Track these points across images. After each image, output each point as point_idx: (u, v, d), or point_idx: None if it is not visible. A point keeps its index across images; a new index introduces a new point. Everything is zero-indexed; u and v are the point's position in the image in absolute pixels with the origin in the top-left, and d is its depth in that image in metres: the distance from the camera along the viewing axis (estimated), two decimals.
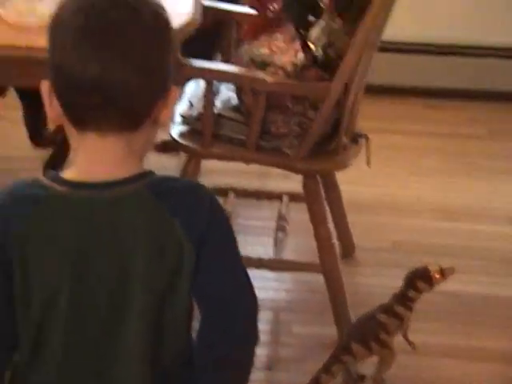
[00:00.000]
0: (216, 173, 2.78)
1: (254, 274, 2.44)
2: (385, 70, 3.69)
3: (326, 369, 2.06)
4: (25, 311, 1.21)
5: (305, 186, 2.28)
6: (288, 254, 2.50)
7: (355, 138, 2.37)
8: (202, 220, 1.21)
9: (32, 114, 2.73)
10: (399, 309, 2.08)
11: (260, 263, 2.36)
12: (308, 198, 2.29)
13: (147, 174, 1.24)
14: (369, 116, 3.45)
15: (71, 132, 1.23)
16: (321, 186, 2.43)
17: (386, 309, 2.09)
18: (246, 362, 1.27)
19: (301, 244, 2.64)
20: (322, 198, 2.30)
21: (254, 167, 2.35)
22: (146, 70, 1.19)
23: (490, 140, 3.46)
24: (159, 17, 1.23)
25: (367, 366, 2.12)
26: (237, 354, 1.24)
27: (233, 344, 1.23)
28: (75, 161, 1.24)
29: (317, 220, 2.29)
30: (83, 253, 1.20)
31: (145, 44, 1.19)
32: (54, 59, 1.19)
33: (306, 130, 2.20)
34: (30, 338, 1.22)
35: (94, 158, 1.22)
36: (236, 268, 1.25)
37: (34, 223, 1.19)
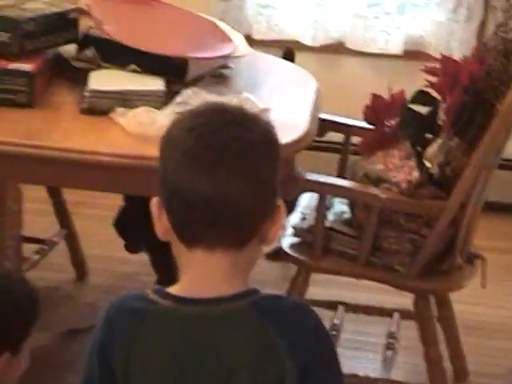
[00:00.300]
0: (326, 283, 2.75)
1: None
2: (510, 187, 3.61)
3: None
4: None
5: (416, 304, 2.23)
6: (397, 374, 2.43)
7: (470, 259, 2.31)
8: (307, 342, 1.19)
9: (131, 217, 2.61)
10: None
11: (368, 382, 2.30)
12: (419, 317, 2.23)
13: (252, 292, 1.23)
14: (492, 234, 3.40)
15: (179, 248, 1.24)
16: (433, 304, 2.38)
17: None
18: None
19: (410, 364, 2.56)
20: (433, 318, 2.24)
21: (365, 281, 2.31)
22: (257, 188, 1.20)
23: None
24: (268, 135, 1.24)
25: None
26: None
27: None
28: (182, 276, 1.24)
29: (427, 341, 2.23)
30: (184, 370, 1.19)
31: (255, 162, 1.20)
32: (166, 178, 1.21)
33: (418, 248, 2.16)
34: None
35: (201, 274, 1.22)
36: None
37: (138, 338, 1.20)
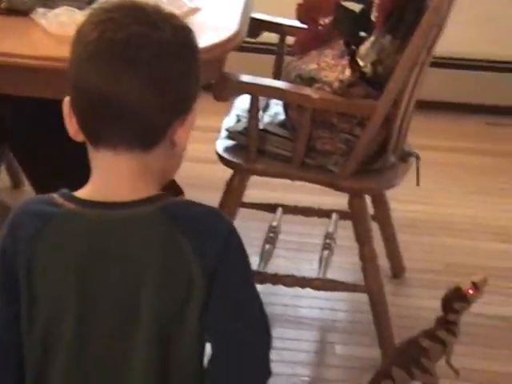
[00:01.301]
0: (265, 186, 2.75)
1: (299, 293, 2.46)
2: (448, 86, 3.63)
3: None
4: (30, 331, 1.19)
5: (350, 204, 2.24)
6: (333, 273, 2.46)
7: (404, 157, 2.31)
8: (216, 250, 1.17)
9: None
10: (442, 334, 2.02)
11: (305, 282, 2.32)
12: (353, 216, 2.25)
13: (162, 197, 1.20)
14: (430, 133, 3.42)
15: (89, 148, 1.22)
16: (369, 204, 2.39)
17: (429, 334, 2.03)
18: None
19: (347, 263, 2.59)
20: (367, 217, 2.25)
21: (306, 183, 2.31)
22: (161, 87, 1.16)
23: None
24: (180, 35, 1.20)
25: None
26: None
27: (242, 380, 1.19)
28: (91, 179, 1.22)
29: (362, 239, 2.25)
30: (89, 273, 1.17)
31: (161, 60, 1.16)
32: (70, 74, 1.18)
33: (352, 147, 2.16)
34: (34, 360, 1.20)
35: (107, 177, 1.19)
36: (249, 303, 1.20)
37: (43, 240, 1.18)
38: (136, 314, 1.16)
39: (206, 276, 1.16)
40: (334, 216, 2.58)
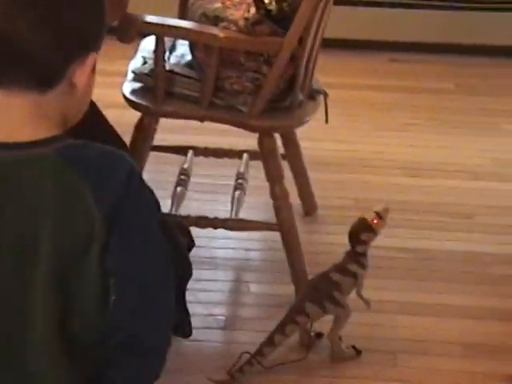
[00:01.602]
0: (175, 129, 2.74)
1: (213, 234, 2.47)
2: (352, 23, 3.65)
3: (280, 329, 2.05)
4: None
5: (260, 143, 2.24)
6: (246, 213, 2.47)
7: (312, 95, 2.33)
8: (116, 192, 1.15)
9: None
10: (352, 267, 2.06)
11: (217, 223, 2.32)
12: (263, 155, 2.25)
13: (60, 139, 1.17)
14: (335, 71, 3.44)
15: None
16: (279, 143, 2.40)
17: (339, 268, 2.07)
18: (157, 346, 1.21)
19: (260, 203, 2.61)
20: (277, 155, 2.26)
21: (216, 125, 2.31)
22: (56, 25, 1.13)
23: (457, 94, 3.43)
24: None
25: (323, 324, 2.11)
26: (148, 334, 1.19)
27: (143, 323, 1.19)
28: None
29: (272, 178, 2.26)
30: None
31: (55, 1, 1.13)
32: None
33: (260, 86, 2.15)
34: None
35: (1, 118, 1.16)
36: (151, 247, 1.19)
37: None
38: (35, 254, 1.15)
39: (106, 218, 1.15)
40: (245, 156, 2.59)
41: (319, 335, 2.14)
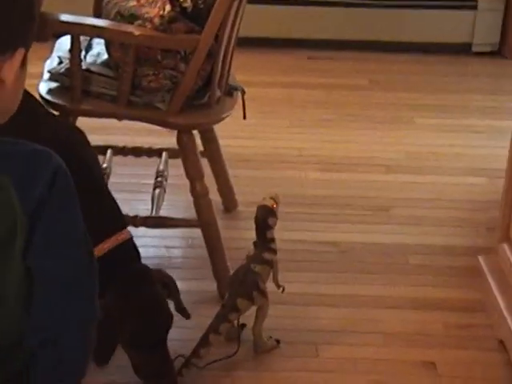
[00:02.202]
0: (93, 129, 2.72)
1: (134, 232, 2.46)
2: (270, 22, 3.68)
3: (215, 329, 2.06)
4: None
5: (179, 141, 2.25)
6: (167, 211, 2.47)
7: (230, 91, 2.34)
8: (40, 189, 1.14)
9: None
10: (266, 255, 2.11)
11: (138, 221, 2.32)
12: (182, 153, 2.26)
13: None
14: (253, 69, 3.47)
15: None
16: (199, 141, 2.41)
17: (257, 258, 2.11)
18: (79, 342, 1.21)
19: (180, 201, 2.62)
20: (196, 153, 2.27)
21: (135, 124, 2.30)
22: None
23: (371, 90, 3.49)
24: None
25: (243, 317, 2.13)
26: (68, 333, 1.19)
27: (63, 323, 1.18)
28: None
29: (192, 176, 2.27)
30: None
31: None
32: None
33: (177, 83, 2.16)
34: None
35: None
36: (73, 246, 1.19)
37: None
38: None
39: (29, 216, 1.14)
40: (164, 154, 2.59)
41: (243, 326, 2.16)
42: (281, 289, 2.14)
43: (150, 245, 2.52)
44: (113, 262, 1.87)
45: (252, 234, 2.55)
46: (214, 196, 2.46)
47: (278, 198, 2.14)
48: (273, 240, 2.12)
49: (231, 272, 2.25)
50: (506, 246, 2.18)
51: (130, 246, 1.97)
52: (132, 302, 1.88)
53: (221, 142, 2.60)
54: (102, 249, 1.88)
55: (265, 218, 2.11)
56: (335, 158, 2.99)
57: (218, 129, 2.55)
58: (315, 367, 2.09)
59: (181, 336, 2.10)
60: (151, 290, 1.92)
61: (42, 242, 1.16)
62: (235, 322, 2.10)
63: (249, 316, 2.12)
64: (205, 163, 2.41)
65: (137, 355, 1.93)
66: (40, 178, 1.14)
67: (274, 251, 2.12)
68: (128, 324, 1.87)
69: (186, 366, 2.03)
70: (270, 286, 2.12)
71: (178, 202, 2.64)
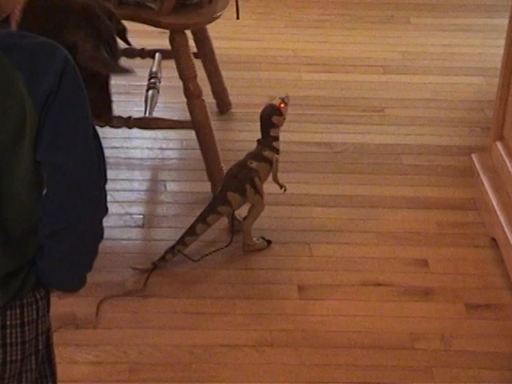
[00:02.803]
0: None
1: (128, 134, 2.46)
2: None
3: (202, 219, 2.09)
4: None
5: (171, 41, 2.23)
6: (161, 113, 2.47)
7: None
8: (49, 82, 1.12)
9: None
10: (266, 153, 2.13)
11: (132, 122, 2.31)
12: (175, 53, 2.24)
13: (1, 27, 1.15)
14: None
15: None
16: (192, 43, 2.39)
17: (255, 155, 2.13)
18: (88, 235, 1.22)
19: (173, 102, 2.61)
20: (189, 53, 2.25)
21: (128, 25, 2.26)
22: None
23: None
24: None
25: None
26: (78, 226, 1.20)
27: (73, 216, 1.19)
28: None
29: (185, 76, 2.25)
30: None
31: None
32: None
33: None
34: None
35: None
36: (83, 139, 1.18)
37: None
38: None
39: (39, 109, 1.13)
40: (157, 56, 2.56)
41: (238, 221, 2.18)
42: (283, 189, 2.15)
43: (144, 146, 2.53)
44: None
45: (246, 136, 2.56)
46: (208, 98, 2.44)
47: (288, 98, 2.15)
48: (276, 139, 2.14)
49: (224, 172, 2.26)
50: (499, 144, 2.18)
51: None
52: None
53: (214, 43, 2.58)
54: None
55: (269, 115, 2.12)
56: (330, 58, 2.97)
57: (211, 30, 2.52)
58: (308, 266, 2.12)
59: (172, 236, 2.12)
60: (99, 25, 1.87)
61: (52, 135, 1.16)
62: (234, 215, 2.12)
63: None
64: (198, 65, 2.39)
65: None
66: (49, 70, 1.13)
67: (276, 150, 2.13)
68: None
69: (170, 251, 2.08)
70: (265, 187, 2.14)
71: (172, 104, 2.63)
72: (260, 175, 2.11)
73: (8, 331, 1.21)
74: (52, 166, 1.17)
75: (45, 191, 1.20)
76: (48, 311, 1.26)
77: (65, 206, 1.19)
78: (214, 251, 2.12)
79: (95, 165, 1.19)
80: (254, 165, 2.11)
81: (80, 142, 1.18)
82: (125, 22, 2.23)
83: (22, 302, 1.21)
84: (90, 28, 1.83)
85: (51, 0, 1.89)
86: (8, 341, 1.21)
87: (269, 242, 2.17)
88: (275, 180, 2.14)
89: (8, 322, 1.21)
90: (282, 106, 2.13)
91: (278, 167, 2.14)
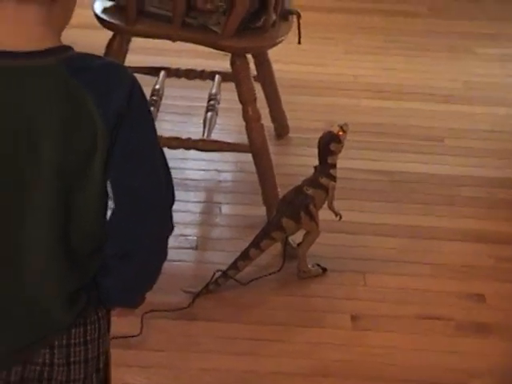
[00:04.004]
0: (148, 51, 2.71)
1: (185, 155, 2.46)
2: None
3: (256, 244, 2.08)
4: None
5: (232, 64, 2.23)
6: (218, 135, 2.46)
7: (285, 15, 2.31)
8: (119, 102, 1.13)
9: None
10: (323, 180, 2.12)
11: (190, 143, 2.32)
12: (236, 76, 2.24)
13: (64, 49, 1.14)
14: None
15: None
16: (252, 65, 2.38)
17: (312, 181, 2.12)
18: (155, 254, 1.22)
19: (232, 125, 2.61)
20: (249, 76, 2.25)
21: (189, 46, 2.28)
22: None
23: (430, 18, 3.41)
24: None
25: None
26: (147, 246, 1.20)
27: (143, 236, 1.19)
28: None
29: (244, 99, 2.25)
30: None
31: None
32: None
33: (233, 5, 2.13)
34: None
35: (10, 28, 1.12)
36: (152, 158, 1.18)
37: None
38: (36, 165, 1.13)
39: (110, 129, 1.13)
40: (217, 77, 2.57)
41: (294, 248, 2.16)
42: (338, 217, 2.14)
43: (201, 168, 2.53)
44: None
45: (303, 161, 2.55)
46: (266, 121, 2.44)
47: (347, 126, 2.14)
48: (333, 166, 2.13)
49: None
50: None
51: None
52: None
53: (274, 66, 2.58)
54: None
55: (328, 142, 2.11)
56: (391, 85, 2.95)
57: (271, 53, 2.52)
58: (362, 296, 2.09)
59: (226, 259, 2.11)
60: None
61: (122, 155, 1.15)
62: (288, 240, 2.10)
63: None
64: (257, 88, 2.39)
65: None
66: (118, 90, 1.14)
67: (333, 177, 2.12)
68: None
69: (223, 276, 2.07)
70: (321, 213, 2.12)
71: (229, 127, 2.63)
72: (315, 202, 2.10)
73: (72, 350, 1.21)
74: (122, 185, 1.17)
75: (112, 210, 1.20)
76: (108, 330, 1.26)
77: (135, 226, 1.19)
78: (264, 276, 2.10)
79: (164, 184, 1.19)
80: (310, 191, 2.10)
81: (150, 161, 1.18)
82: (187, 44, 2.25)
83: (85, 321, 1.22)
84: None
85: None
86: (72, 359, 1.21)
87: (324, 270, 2.15)
88: (331, 207, 2.13)
89: (72, 341, 1.21)
90: (341, 133, 2.12)
91: (334, 195, 2.12)
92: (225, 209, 2.38)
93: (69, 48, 1.16)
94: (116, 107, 1.14)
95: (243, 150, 2.32)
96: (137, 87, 1.16)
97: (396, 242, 2.28)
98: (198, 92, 2.69)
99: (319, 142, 2.13)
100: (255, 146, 2.27)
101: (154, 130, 1.19)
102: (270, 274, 2.11)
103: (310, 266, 2.14)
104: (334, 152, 2.12)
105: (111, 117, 1.13)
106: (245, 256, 2.08)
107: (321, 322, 2.01)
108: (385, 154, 2.62)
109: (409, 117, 2.79)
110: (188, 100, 2.77)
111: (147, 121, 1.18)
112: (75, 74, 1.13)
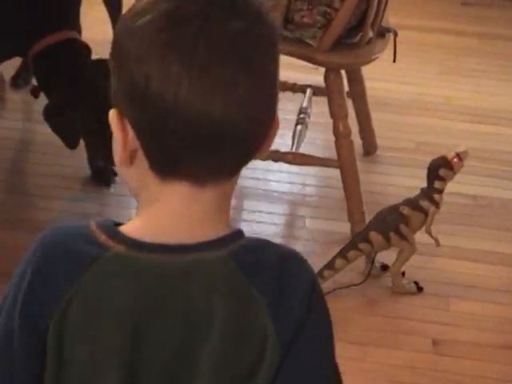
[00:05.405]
0: None
1: (271, 167, 2.46)
2: None
3: (343, 254, 2.08)
4: None
5: (326, 78, 2.22)
6: (306, 149, 2.46)
7: (382, 32, 2.29)
8: (298, 307, 0.93)
9: None
10: (424, 203, 2.09)
11: (278, 156, 2.32)
12: (328, 91, 2.23)
13: (235, 237, 0.94)
14: (406, 12, 3.39)
15: (144, 176, 0.92)
16: (345, 81, 2.38)
17: (411, 202, 2.09)
18: None
19: (321, 139, 2.60)
20: (342, 92, 2.24)
21: (283, 59, 2.27)
22: (263, 98, 0.94)
23: None
24: (275, 28, 0.94)
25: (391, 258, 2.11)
26: None
27: None
28: (145, 213, 0.94)
29: (336, 115, 2.24)
30: (142, 329, 0.93)
31: (263, 64, 0.93)
32: (145, 90, 0.87)
33: (330, 20, 2.13)
34: None
35: (174, 213, 0.92)
36: (328, 372, 0.96)
37: (79, 294, 0.92)
38: (191, 374, 0.94)
39: (285, 341, 0.93)
40: (309, 91, 2.57)
41: (385, 267, 2.15)
42: (436, 242, 2.11)
43: (286, 181, 2.52)
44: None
45: (390, 180, 2.53)
46: (354, 138, 2.42)
47: (466, 154, 2.09)
48: (439, 192, 2.09)
49: (365, 216, 2.23)
50: None
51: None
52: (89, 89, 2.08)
53: (366, 83, 2.56)
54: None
55: (437, 167, 2.08)
56: (484, 109, 2.90)
57: (364, 70, 2.51)
58: (445, 320, 2.06)
59: None
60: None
61: (294, 370, 0.95)
62: (372, 257, 2.08)
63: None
64: (348, 104, 2.37)
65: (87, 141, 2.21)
66: (297, 295, 0.94)
67: (436, 203, 2.08)
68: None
69: None
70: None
71: (318, 141, 2.62)
72: (410, 222, 2.07)
73: None
74: None
75: None
76: None
77: None
78: (343, 287, 2.08)
79: None
80: (405, 211, 2.07)
81: (325, 373, 0.98)
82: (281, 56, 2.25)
83: None
84: None
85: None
86: None
87: (420, 289, 2.12)
88: (428, 232, 2.10)
89: None
90: (455, 160, 2.07)
91: (433, 220, 2.08)
92: (309, 223, 2.37)
93: (239, 233, 0.96)
94: (294, 314, 0.94)
95: (331, 166, 2.31)
96: (316, 288, 0.96)
97: (481, 268, 2.24)
98: (289, 104, 2.68)
99: (430, 164, 2.10)
100: (344, 163, 2.26)
101: (333, 343, 0.97)
102: (348, 287, 2.09)
103: (405, 282, 2.11)
104: (442, 178, 2.08)
105: (287, 326, 0.94)
106: (331, 266, 2.08)
107: (400, 344, 1.98)
108: (472, 177, 2.56)
109: (499, 142, 2.75)
110: (279, 112, 2.76)
111: (326, 329, 0.97)
112: (247, 271, 0.93)
